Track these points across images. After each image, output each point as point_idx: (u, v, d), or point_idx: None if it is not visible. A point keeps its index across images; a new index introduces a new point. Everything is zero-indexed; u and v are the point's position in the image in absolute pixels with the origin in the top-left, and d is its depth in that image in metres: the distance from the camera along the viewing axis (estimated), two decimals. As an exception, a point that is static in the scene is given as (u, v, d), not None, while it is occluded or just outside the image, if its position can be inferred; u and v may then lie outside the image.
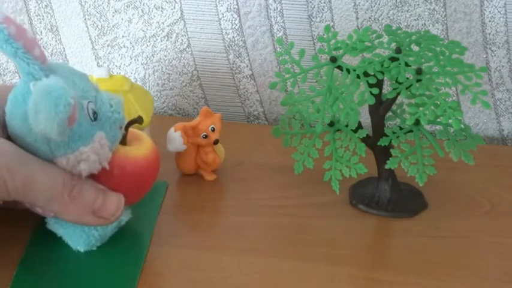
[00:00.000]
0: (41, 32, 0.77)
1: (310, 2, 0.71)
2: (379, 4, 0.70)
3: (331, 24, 0.72)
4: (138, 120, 0.53)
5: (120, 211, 0.50)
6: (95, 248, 0.52)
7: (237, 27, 0.73)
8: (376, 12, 0.71)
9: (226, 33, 0.74)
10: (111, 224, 0.51)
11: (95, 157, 0.48)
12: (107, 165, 0.49)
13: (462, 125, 0.55)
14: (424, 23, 0.70)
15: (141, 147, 0.52)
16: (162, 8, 0.74)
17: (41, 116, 0.44)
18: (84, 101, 0.48)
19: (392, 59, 0.54)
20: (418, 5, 0.70)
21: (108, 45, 0.76)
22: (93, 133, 0.48)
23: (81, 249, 0.52)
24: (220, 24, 0.74)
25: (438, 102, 0.53)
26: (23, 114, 0.46)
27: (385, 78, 0.55)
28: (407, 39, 0.56)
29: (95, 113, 0.48)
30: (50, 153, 0.47)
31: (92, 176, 0.49)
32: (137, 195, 0.52)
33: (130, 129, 0.52)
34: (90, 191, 0.49)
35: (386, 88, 0.61)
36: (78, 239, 0.52)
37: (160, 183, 0.61)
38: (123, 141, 0.51)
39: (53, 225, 0.52)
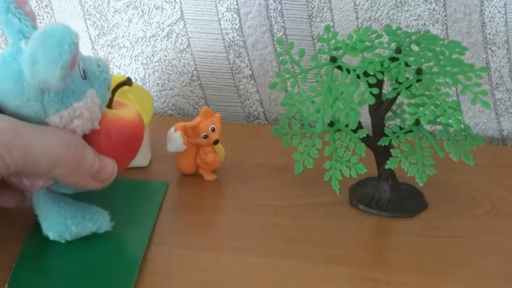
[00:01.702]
0: (41, 32, 0.77)
1: (310, 2, 0.71)
2: (379, 4, 0.70)
3: (331, 24, 0.72)
4: (127, 82, 0.53)
5: (114, 176, 0.51)
6: (63, 241, 0.52)
7: (237, 27, 0.73)
8: (376, 12, 0.71)
9: (226, 33, 0.74)
10: (102, 187, 0.51)
11: (87, 114, 0.48)
12: (98, 125, 0.49)
13: (462, 125, 0.55)
14: (424, 23, 0.70)
15: (128, 111, 0.52)
16: (162, 8, 0.74)
17: (41, 63, 0.43)
18: None
19: (392, 59, 0.54)
20: (418, 5, 0.70)
21: (108, 45, 0.76)
22: (84, 90, 0.48)
23: (51, 236, 0.51)
24: (220, 24, 0.74)
25: (438, 102, 0.53)
26: (15, 74, 0.46)
27: (385, 78, 0.55)
28: (407, 39, 0.56)
29: (84, 71, 0.48)
30: (43, 112, 0.47)
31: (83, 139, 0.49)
32: (125, 159, 0.52)
33: (115, 98, 0.53)
34: (90, 153, 0.49)
35: (386, 88, 0.61)
36: (55, 226, 0.51)
37: (161, 182, 0.61)
38: (110, 105, 0.52)
39: (39, 201, 0.52)
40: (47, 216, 0.52)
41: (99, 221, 0.53)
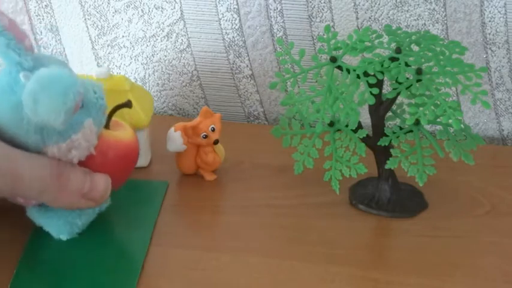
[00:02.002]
0: (41, 32, 0.77)
1: (310, 2, 0.71)
2: (379, 4, 0.70)
3: (331, 24, 0.72)
4: (128, 104, 0.54)
5: (108, 192, 0.51)
6: (76, 236, 0.52)
7: (237, 27, 0.73)
8: (376, 12, 0.71)
9: (226, 33, 0.74)
10: (99, 205, 0.52)
11: (85, 144, 0.49)
12: (94, 151, 0.50)
13: (462, 125, 0.55)
14: (424, 23, 0.70)
15: (125, 132, 0.53)
16: (162, 8, 0.74)
17: (44, 105, 0.44)
18: None
19: (393, 59, 0.54)
20: (418, 5, 0.70)
21: (108, 45, 0.76)
22: (82, 120, 0.49)
23: (64, 238, 0.52)
24: (220, 24, 0.74)
25: (438, 102, 0.53)
26: (13, 106, 0.46)
27: (385, 78, 0.55)
28: (407, 39, 0.56)
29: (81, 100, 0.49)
30: (42, 143, 0.48)
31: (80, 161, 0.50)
32: (122, 177, 0.53)
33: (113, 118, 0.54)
34: (77, 175, 0.49)
35: (386, 88, 0.61)
36: (62, 228, 0.52)
37: (161, 183, 0.61)
38: (107, 126, 0.53)
39: (34, 215, 0.53)
40: (50, 224, 0.52)
41: None
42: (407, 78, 0.54)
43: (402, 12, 0.70)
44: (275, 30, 0.73)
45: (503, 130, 0.75)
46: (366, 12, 0.71)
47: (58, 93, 0.44)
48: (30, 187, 0.48)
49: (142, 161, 0.63)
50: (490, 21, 0.69)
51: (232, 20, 0.73)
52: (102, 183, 0.51)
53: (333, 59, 0.56)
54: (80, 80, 0.46)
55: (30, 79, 0.45)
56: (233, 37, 0.74)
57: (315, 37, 0.73)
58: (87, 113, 0.49)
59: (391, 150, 0.57)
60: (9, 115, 0.47)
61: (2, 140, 0.48)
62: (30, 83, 0.45)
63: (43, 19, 0.76)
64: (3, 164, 0.46)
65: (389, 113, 0.58)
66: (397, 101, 0.57)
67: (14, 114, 0.47)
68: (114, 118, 0.54)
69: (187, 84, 0.77)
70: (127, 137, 0.53)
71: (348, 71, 0.55)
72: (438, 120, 0.55)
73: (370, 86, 0.54)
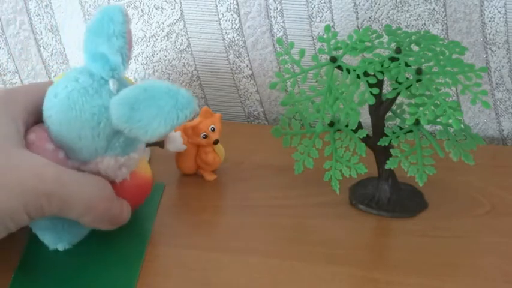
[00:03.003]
0: (41, 32, 0.77)
1: (310, 2, 0.71)
2: (379, 4, 0.70)
3: (331, 24, 0.72)
4: (160, 144, 0.57)
5: (128, 219, 0.51)
6: (74, 245, 0.52)
7: (237, 27, 0.73)
8: (376, 12, 0.71)
9: (226, 33, 0.74)
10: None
11: (134, 165, 0.50)
12: (127, 177, 0.50)
13: (462, 125, 0.55)
14: (424, 23, 0.70)
15: (147, 168, 0.54)
16: (162, 8, 0.74)
17: (144, 113, 0.45)
18: None
19: (393, 59, 0.54)
20: (418, 5, 0.70)
21: (108, 45, 0.76)
22: (139, 142, 0.50)
23: (61, 248, 0.51)
24: (220, 24, 0.74)
25: (438, 102, 0.53)
26: (95, 108, 0.46)
27: (385, 78, 0.55)
28: (407, 39, 0.56)
29: None
30: (103, 151, 0.48)
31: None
32: (134, 207, 0.53)
33: None
34: (117, 203, 0.50)
35: (386, 88, 0.61)
36: (57, 239, 0.51)
37: (158, 184, 0.61)
38: None
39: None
40: (45, 234, 0.51)
41: None
42: (407, 78, 0.54)
43: (402, 12, 0.70)
44: (275, 30, 0.73)
45: (503, 130, 0.75)
46: (366, 12, 0.71)
47: (172, 107, 0.44)
48: (74, 211, 0.47)
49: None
50: (490, 21, 0.69)
51: (232, 20, 0.73)
52: (126, 211, 0.51)
53: (333, 59, 0.56)
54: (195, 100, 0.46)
55: (133, 86, 0.46)
56: (233, 37, 0.74)
57: (315, 37, 0.73)
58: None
59: (391, 150, 0.57)
60: (87, 116, 0.47)
61: (53, 139, 0.48)
62: (131, 90, 0.45)
63: (43, 19, 0.76)
64: (56, 190, 0.45)
65: (390, 113, 0.58)
66: (397, 101, 0.57)
67: (93, 116, 0.47)
68: None
69: (187, 84, 0.77)
70: (149, 173, 0.54)
71: (348, 71, 0.55)
72: (438, 120, 0.55)
73: (370, 86, 0.54)
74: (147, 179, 0.54)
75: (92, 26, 0.48)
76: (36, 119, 0.49)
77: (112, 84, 0.47)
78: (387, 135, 0.57)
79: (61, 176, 0.46)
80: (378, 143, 0.57)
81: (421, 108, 0.53)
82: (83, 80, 0.47)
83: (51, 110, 0.48)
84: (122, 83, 0.48)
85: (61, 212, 0.46)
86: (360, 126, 0.58)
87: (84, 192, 0.47)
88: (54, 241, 0.51)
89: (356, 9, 0.71)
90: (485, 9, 0.69)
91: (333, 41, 0.57)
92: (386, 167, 0.57)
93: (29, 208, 0.44)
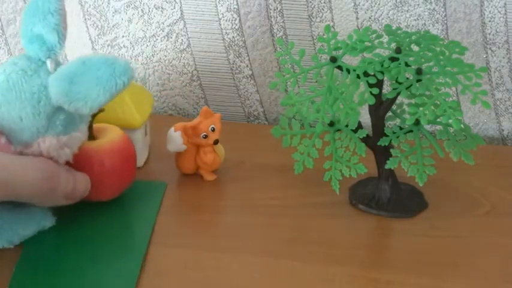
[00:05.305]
0: (41, 32, 0.77)
1: (310, 2, 0.71)
2: (379, 4, 0.70)
3: (331, 24, 0.72)
4: (100, 110, 0.54)
5: (87, 191, 0.52)
6: (12, 246, 0.51)
7: (237, 27, 0.73)
8: (376, 12, 0.71)
9: (226, 33, 0.74)
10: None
11: (76, 145, 0.50)
12: (71, 160, 0.51)
13: (462, 125, 0.55)
14: (424, 23, 0.70)
15: (112, 135, 0.54)
16: (162, 8, 0.74)
17: (81, 86, 0.45)
18: None
19: (392, 59, 0.54)
20: (418, 5, 0.70)
21: (108, 45, 0.76)
22: (81, 122, 0.50)
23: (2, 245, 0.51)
24: (220, 24, 0.73)
25: (438, 102, 0.53)
26: (35, 88, 0.47)
27: (385, 78, 0.55)
28: (407, 39, 0.56)
29: None
30: (44, 130, 0.48)
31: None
32: (126, 178, 0.54)
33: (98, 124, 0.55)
34: (64, 178, 0.50)
35: (386, 88, 0.61)
36: (5, 235, 0.51)
37: (159, 183, 0.61)
38: (91, 133, 0.54)
39: None
40: None
41: (42, 218, 0.53)
42: (407, 78, 0.54)
43: (402, 12, 0.70)
44: (275, 30, 0.73)
45: (503, 130, 0.75)
46: (366, 12, 0.71)
47: (110, 75, 0.45)
48: (21, 192, 0.48)
49: (138, 161, 0.63)
50: (490, 21, 0.69)
51: (232, 20, 0.73)
52: (83, 184, 0.52)
53: (333, 59, 0.56)
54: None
55: (71, 61, 0.46)
56: (233, 37, 0.74)
57: (315, 37, 0.73)
58: (85, 117, 0.50)
59: (391, 150, 0.57)
60: (27, 96, 0.47)
61: None
62: (68, 66, 0.46)
63: (43, 19, 0.76)
64: None
65: (389, 113, 0.58)
66: (397, 101, 0.57)
67: (33, 96, 0.47)
68: (95, 125, 0.55)
69: (187, 84, 0.77)
70: (116, 140, 0.54)
71: (348, 71, 0.55)
72: (438, 120, 0.55)
73: (370, 86, 0.54)
74: (117, 148, 0.54)
75: (28, 8, 0.48)
76: None
77: (50, 64, 0.48)
78: (387, 135, 0.57)
79: (2, 161, 0.47)
80: (378, 143, 0.57)
81: (421, 108, 0.53)
82: (21, 63, 0.48)
83: None
84: (59, 63, 0.49)
85: (7, 196, 0.47)
86: (360, 126, 0.58)
87: (27, 175, 0.48)
88: (7, 238, 0.51)
89: (356, 9, 0.71)
90: (485, 9, 0.69)
91: (333, 41, 0.57)
92: (387, 167, 0.57)
93: None
